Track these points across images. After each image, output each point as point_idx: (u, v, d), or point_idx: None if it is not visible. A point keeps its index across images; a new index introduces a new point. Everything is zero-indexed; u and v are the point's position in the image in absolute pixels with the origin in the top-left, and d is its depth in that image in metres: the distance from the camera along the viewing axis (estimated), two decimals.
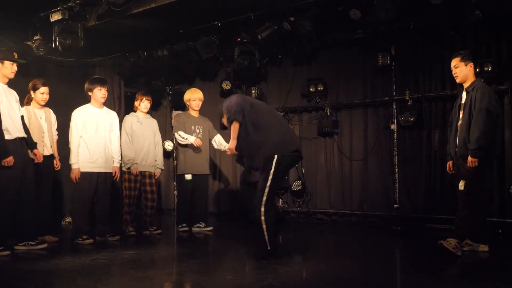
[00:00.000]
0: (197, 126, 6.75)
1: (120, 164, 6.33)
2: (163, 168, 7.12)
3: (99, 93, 6.04)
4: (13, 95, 5.38)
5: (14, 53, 5.41)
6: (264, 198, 4.63)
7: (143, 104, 6.77)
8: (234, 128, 4.81)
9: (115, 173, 6.14)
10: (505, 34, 6.37)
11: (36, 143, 5.60)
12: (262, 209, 4.61)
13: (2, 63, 5.25)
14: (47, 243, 5.59)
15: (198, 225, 6.79)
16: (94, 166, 5.91)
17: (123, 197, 6.75)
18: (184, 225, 6.77)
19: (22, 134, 5.31)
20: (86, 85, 6.10)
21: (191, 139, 6.57)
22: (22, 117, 5.45)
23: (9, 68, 5.26)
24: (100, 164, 5.95)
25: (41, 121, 5.92)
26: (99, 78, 6.41)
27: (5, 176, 5.07)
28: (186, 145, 6.66)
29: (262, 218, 4.61)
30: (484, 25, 6.26)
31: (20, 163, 5.17)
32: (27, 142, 5.41)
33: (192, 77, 9.07)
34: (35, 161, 5.50)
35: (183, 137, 6.61)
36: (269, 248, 4.63)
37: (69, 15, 6.62)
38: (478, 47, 6.49)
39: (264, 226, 4.61)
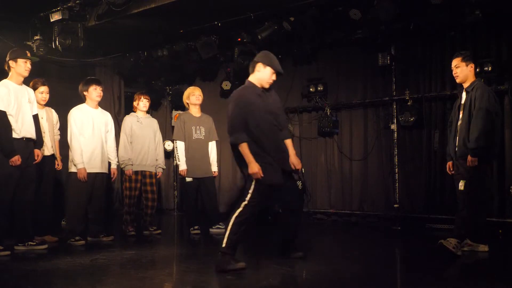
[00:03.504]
0: (198, 126, 6.62)
1: (118, 164, 6.34)
2: (165, 167, 7.11)
3: (95, 92, 6.02)
4: (26, 95, 5.36)
5: (27, 51, 5.42)
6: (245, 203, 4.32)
7: (142, 103, 6.76)
8: None
9: (114, 174, 6.16)
10: (505, 34, 6.37)
11: (41, 144, 5.59)
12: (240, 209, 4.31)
13: (16, 61, 5.25)
14: (47, 243, 5.58)
15: (218, 226, 6.68)
16: (91, 167, 5.89)
17: (123, 197, 6.74)
18: (196, 227, 6.64)
19: (29, 135, 5.29)
20: (80, 86, 6.08)
21: (181, 166, 6.52)
22: (35, 116, 5.43)
23: (23, 66, 5.26)
24: (97, 164, 5.94)
25: (42, 121, 5.91)
26: (93, 78, 6.43)
27: (3, 174, 5.06)
28: (185, 148, 6.58)
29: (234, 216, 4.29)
30: (484, 25, 6.27)
31: (22, 163, 5.16)
32: (35, 142, 5.40)
33: (192, 77, 9.07)
34: (35, 162, 5.47)
35: (179, 156, 6.54)
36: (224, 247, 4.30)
37: (69, 15, 6.63)
38: (478, 47, 6.49)
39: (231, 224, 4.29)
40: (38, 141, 5.46)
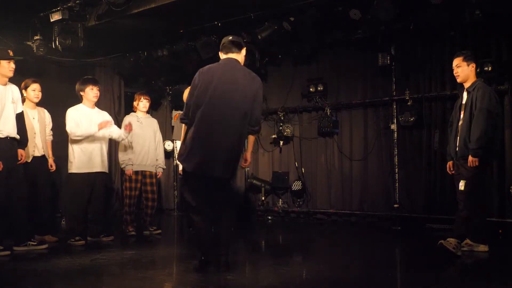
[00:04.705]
0: None
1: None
2: (165, 167, 7.10)
3: (91, 92, 6.00)
4: (10, 95, 5.24)
5: (9, 50, 5.31)
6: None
7: (142, 103, 6.76)
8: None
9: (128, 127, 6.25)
10: (505, 34, 6.37)
11: (25, 144, 5.44)
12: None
13: None
14: (47, 243, 5.58)
15: None
16: (90, 167, 5.87)
17: (123, 197, 6.73)
18: None
19: (13, 134, 5.21)
20: (77, 86, 6.06)
21: (181, 166, 6.48)
22: (20, 115, 5.33)
23: (7, 67, 5.17)
24: (97, 164, 5.92)
25: (33, 122, 5.83)
26: (90, 77, 6.39)
27: None
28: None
29: None
30: (484, 25, 6.27)
31: (8, 164, 5.08)
32: (18, 142, 5.30)
33: (192, 77, 8.97)
34: (19, 162, 5.31)
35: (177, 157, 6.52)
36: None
37: (69, 15, 6.62)
38: (478, 47, 6.49)
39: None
40: (21, 141, 5.34)
